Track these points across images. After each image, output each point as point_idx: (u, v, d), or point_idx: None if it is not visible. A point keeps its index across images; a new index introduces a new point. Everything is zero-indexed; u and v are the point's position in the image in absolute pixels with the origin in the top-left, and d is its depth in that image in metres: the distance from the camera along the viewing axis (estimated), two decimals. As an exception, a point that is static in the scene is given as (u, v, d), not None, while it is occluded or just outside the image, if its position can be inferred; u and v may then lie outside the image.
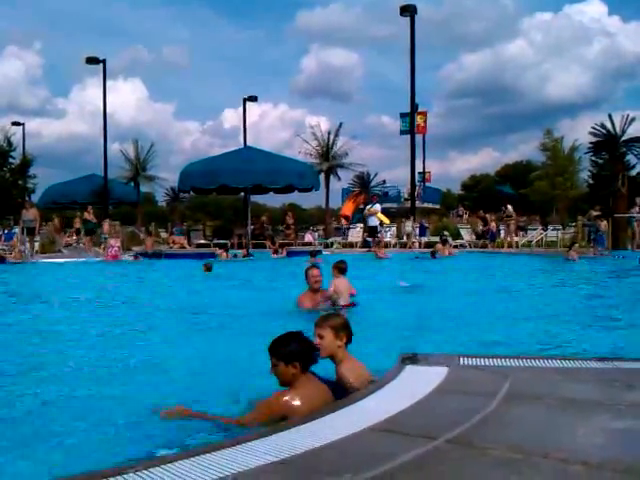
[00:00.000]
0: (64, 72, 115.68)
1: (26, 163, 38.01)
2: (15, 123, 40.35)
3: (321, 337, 4.27)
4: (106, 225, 26.17)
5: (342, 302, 8.42)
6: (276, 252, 23.02)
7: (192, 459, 2.74)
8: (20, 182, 37.66)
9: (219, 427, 3.85)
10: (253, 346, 5.52)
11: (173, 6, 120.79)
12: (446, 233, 26.90)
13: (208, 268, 15.79)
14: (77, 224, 27.41)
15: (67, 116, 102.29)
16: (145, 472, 2.59)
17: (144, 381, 5.29)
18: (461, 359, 4.65)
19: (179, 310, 9.78)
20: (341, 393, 4.02)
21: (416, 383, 3.99)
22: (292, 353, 3.86)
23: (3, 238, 24.14)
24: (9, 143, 37.28)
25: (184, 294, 12.34)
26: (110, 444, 3.70)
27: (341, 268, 8.97)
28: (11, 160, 37.47)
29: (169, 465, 2.67)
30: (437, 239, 25.72)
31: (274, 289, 11.97)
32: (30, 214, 21.79)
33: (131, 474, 2.57)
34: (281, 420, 3.65)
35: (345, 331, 4.29)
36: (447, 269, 17.43)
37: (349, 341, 4.34)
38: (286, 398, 3.78)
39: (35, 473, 3.31)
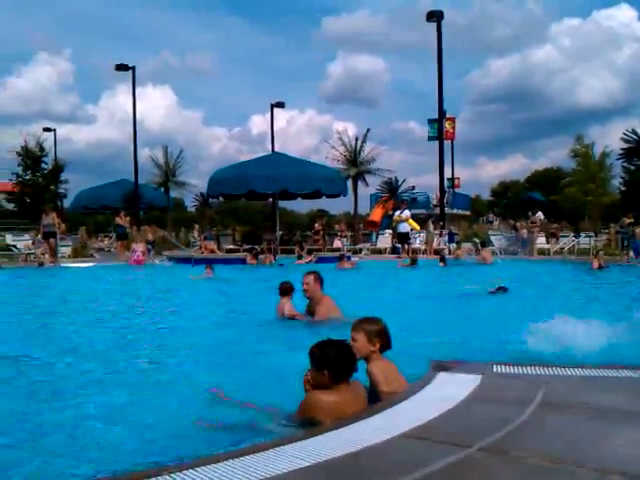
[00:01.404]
0: (94, 79, 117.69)
1: (58, 168, 38.61)
2: (46, 129, 41.09)
3: (354, 340, 4.28)
4: (148, 232, 26.44)
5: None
6: (300, 258, 23.02)
7: (225, 462, 2.76)
8: (52, 187, 38.26)
9: (256, 429, 3.86)
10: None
11: (201, 13, 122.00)
12: (476, 240, 26.71)
13: (211, 269, 16.11)
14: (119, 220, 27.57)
15: (97, 122, 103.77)
16: (180, 474, 2.62)
17: (184, 382, 5.33)
18: (494, 367, 4.61)
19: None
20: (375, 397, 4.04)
21: (449, 390, 3.97)
22: (323, 360, 3.85)
23: (37, 243, 24.46)
24: (41, 149, 37.90)
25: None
26: (152, 445, 3.73)
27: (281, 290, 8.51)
28: (43, 165, 38.13)
29: (202, 468, 2.69)
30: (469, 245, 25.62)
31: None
32: (50, 218, 22.04)
33: (165, 476, 2.60)
34: (311, 422, 3.67)
35: (379, 337, 4.28)
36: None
37: (386, 348, 4.33)
38: (315, 399, 3.79)
39: (83, 473, 3.35)
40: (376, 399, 4.04)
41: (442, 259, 20.90)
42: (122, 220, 26.66)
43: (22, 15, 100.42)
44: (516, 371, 4.56)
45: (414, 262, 19.75)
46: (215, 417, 4.16)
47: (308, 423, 3.66)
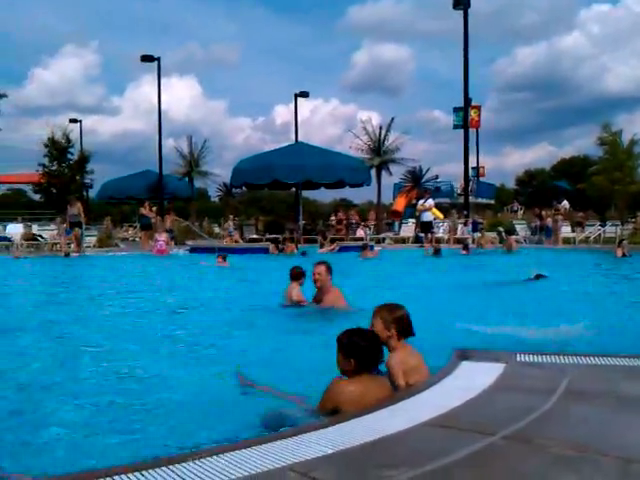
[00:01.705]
0: (120, 70, 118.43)
1: (84, 159, 38.97)
2: (73, 120, 41.36)
3: (372, 325, 4.33)
4: (167, 220, 26.54)
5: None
6: (322, 246, 23.05)
7: (250, 449, 2.78)
8: (78, 178, 38.65)
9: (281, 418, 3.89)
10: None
11: (225, 3, 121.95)
12: (501, 229, 26.52)
13: (223, 259, 16.11)
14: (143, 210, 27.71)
15: (123, 113, 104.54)
16: (205, 460, 2.65)
17: (212, 370, 5.36)
18: (518, 356, 4.59)
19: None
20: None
21: (472, 379, 3.96)
22: (350, 348, 3.89)
23: (61, 232, 24.71)
24: (67, 140, 38.27)
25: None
26: (175, 431, 3.77)
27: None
28: (69, 156, 38.52)
29: (228, 454, 2.72)
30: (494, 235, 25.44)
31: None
32: (75, 209, 22.25)
33: (190, 462, 2.63)
34: (335, 409, 3.69)
35: (396, 323, 4.28)
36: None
37: (405, 334, 4.32)
38: (338, 387, 3.82)
39: (105, 457, 3.41)
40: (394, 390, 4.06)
41: (465, 247, 20.82)
42: (146, 210, 26.87)
43: (49, 7, 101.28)
44: (540, 360, 4.53)
45: (437, 252, 19.57)
46: (238, 403, 4.20)
47: (331, 412, 3.69)
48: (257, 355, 5.90)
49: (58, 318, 8.41)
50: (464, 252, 20.32)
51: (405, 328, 4.33)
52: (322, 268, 8.04)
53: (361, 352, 3.88)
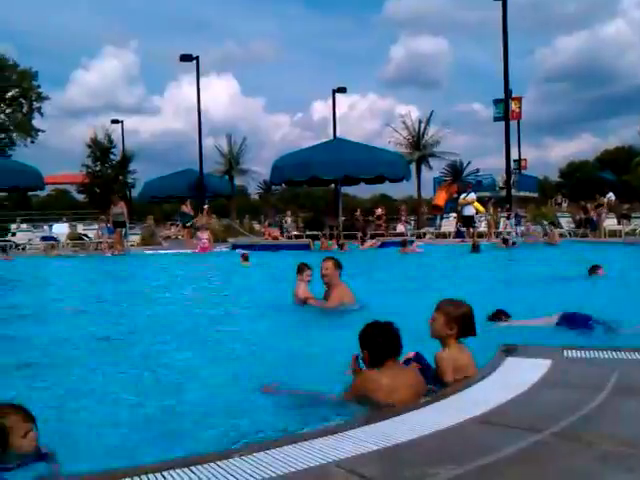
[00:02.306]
0: (159, 70, 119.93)
1: (126, 159, 39.64)
2: (114, 121, 42.01)
3: (433, 319, 4.23)
4: (201, 217, 26.82)
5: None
6: (363, 243, 23.00)
7: (295, 445, 2.79)
8: (120, 177, 39.32)
9: (319, 415, 3.89)
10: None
11: (260, 1, 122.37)
12: (545, 222, 26.12)
13: (245, 258, 15.99)
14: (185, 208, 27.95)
15: (163, 113, 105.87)
16: (250, 457, 2.66)
17: (247, 367, 5.38)
18: (565, 351, 4.51)
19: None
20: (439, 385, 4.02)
21: (518, 375, 3.91)
22: (363, 339, 3.96)
23: (105, 232, 25.13)
24: (110, 140, 38.99)
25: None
26: (217, 429, 3.80)
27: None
28: (112, 157, 39.21)
29: (272, 450, 2.73)
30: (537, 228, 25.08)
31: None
32: (118, 208, 22.56)
33: (236, 458, 2.65)
34: (363, 399, 3.75)
35: (458, 322, 4.16)
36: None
37: (466, 333, 4.21)
38: (361, 379, 3.89)
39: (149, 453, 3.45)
40: (440, 386, 4.03)
41: (504, 241, 20.55)
42: (187, 208, 27.17)
43: (89, 10, 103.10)
44: (588, 355, 4.45)
45: (476, 247, 18.89)
46: (273, 403, 4.22)
47: (359, 402, 3.74)
48: (260, 355, 5.90)
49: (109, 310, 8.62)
50: (503, 246, 20.05)
51: (467, 328, 4.21)
52: (329, 263, 7.97)
53: (371, 343, 3.90)
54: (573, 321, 6.25)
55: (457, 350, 4.18)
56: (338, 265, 8.02)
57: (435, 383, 4.07)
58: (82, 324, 7.94)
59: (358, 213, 29.43)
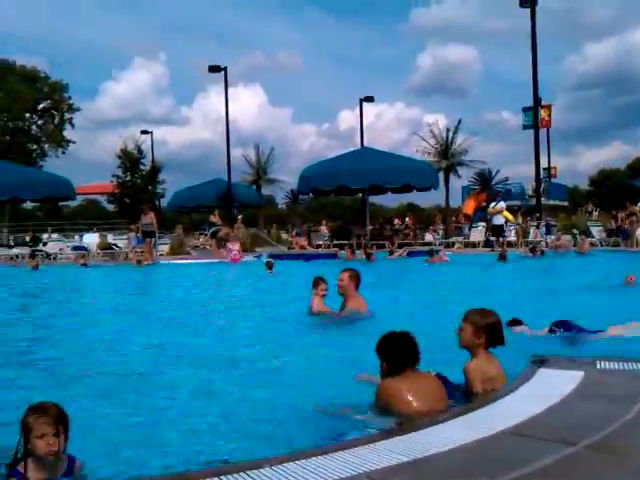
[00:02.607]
0: (188, 81, 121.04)
1: (155, 169, 40.09)
2: (144, 132, 42.46)
3: (461, 329, 4.21)
4: (228, 229, 26.95)
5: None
6: (391, 253, 22.85)
7: (326, 456, 2.78)
8: (150, 187, 39.76)
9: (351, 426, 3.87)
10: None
11: (287, 10, 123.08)
12: (575, 231, 25.77)
13: (270, 266, 16.05)
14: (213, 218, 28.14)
15: (191, 123, 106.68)
16: (280, 467, 2.66)
17: (288, 380, 5.38)
18: (598, 362, 4.43)
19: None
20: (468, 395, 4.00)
21: (550, 386, 3.85)
22: (380, 350, 4.00)
23: (132, 242, 25.35)
24: (139, 151, 39.49)
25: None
26: (251, 440, 3.80)
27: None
28: (141, 167, 39.68)
29: (303, 461, 2.73)
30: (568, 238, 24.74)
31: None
32: (148, 218, 22.75)
33: (267, 468, 2.65)
34: (387, 408, 3.75)
35: (487, 331, 4.13)
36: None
37: (495, 343, 4.18)
38: (382, 387, 3.90)
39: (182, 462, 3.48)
40: (469, 397, 4.00)
41: (532, 249, 20.31)
42: (216, 218, 27.35)
43: (119, 23, 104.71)
44: (621, 367, 4.37)
45: (503, 257, 18.48)
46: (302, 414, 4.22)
47: (380, 411, 3.76)
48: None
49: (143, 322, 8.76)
50: (530, 255, 19.80)
51: (496, 337, 4.17)
52: (345, 275, 7.93)
53: (391, 353, 3.93)
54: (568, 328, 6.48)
55: (486, 361, 4.14)
56: (354, 277, 7.94)
57: (460, 399, 4.04)
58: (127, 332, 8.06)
59: (396, 222, 29.34)
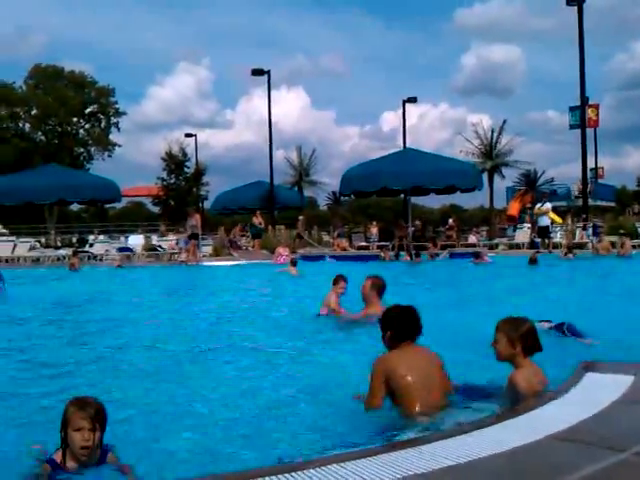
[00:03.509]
0: (231, 84, 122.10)
1: (199, 172, 40.57)
2: (188, 135, 42.94)
3: (495, 341, 4.14)
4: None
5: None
6: (432, 255, 22.56)
7: (371, 458, 2.78)
8: (194, 190, 40.26)
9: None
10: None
11: (328, 12, 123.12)
12: (622, 231, 25.16)
13: (294, 263, 16.40)
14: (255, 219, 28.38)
15: (235, 126, 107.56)
16: (323, 468, 2.67)
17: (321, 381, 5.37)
18: (648, 368, 4.32)
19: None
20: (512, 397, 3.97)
21: (598, 392, 3.77)
22: (384, 321, 4.35)
23: (180, 244, 25.68)
24: (184, 154, 40.04)
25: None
26: (288, 441, 3.83)
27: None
28: (186, 170, 40.21)
29: (346, 463, 2.72)
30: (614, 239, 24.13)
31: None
32: (193, 220, 23.02)
33: (311, 470, 2.65)
34: (385, 381, 3.97)
35: (522, 339, 4.05)
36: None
37: (531, 351, 4.09)
38: (378, 359, 4.15)
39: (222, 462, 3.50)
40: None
41: (569, 251, 19.89)
42: (258, 220, 27.57)
43: (164, 28, 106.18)
44: (673, 372, 4.25)
45: (534, 260, 17.82)
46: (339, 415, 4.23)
47: (383, 387, 3.98)
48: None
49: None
50: (569, 256, 19.40)
51: (532, 344, 4.08)
52: (367, 282, 7.87)
53: (394, 323, 4.27)
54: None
55: (531, 372, 4.04)
56: (377, 285, 7.84)
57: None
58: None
59: (452, 221, 29.09)
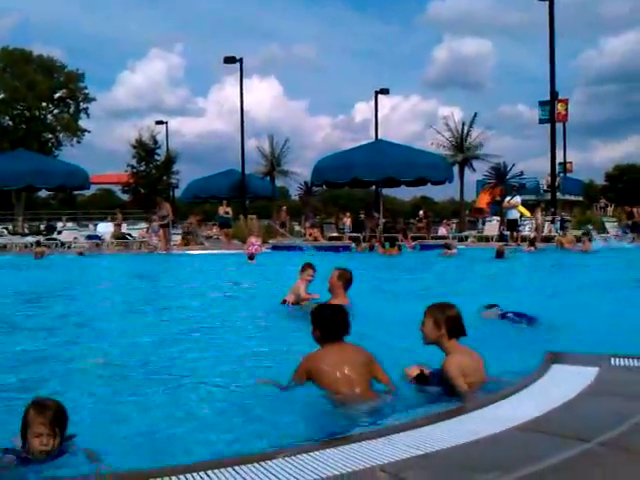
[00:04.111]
0: (203, 72, 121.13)
1: (170, 160, 40.14)
2: (159, 122, 42.43)
3: (422, 324, 4.34)
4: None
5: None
6: (413, 247, 22.62)
7: (338, 448, 2.79)
8: (164, 178, 39.85)
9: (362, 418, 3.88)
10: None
11: (303, 2, 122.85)
12: (590, 227, 25.56)
13: (251, 257, 16.60)
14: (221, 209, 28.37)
15: (206, 114, 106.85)
16: (293, 458, 2.68)
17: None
18: (612, 359, 4.41)
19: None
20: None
21: (564, 383, 3.83)
22: (314, 319, 4.55)
23: (150, 231, 25.44)
24: (154, 141, 39.57)
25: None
26: (266, 432, 3.81)
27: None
28: (156, 157, 39.78)
29: (316, 453, 2.74)
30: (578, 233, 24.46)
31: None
32: (164, 210, 22.79)
33: (280, 459, 2.66)
34: (308, 376, 4.22)
35: (447, 323, 4.22)
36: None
37: (456, 334, 4.25)
38: (306, 356, 4.40)
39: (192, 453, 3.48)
40: (452, 393, 4.06)
41: (531, 243, 20.26)
42: (223, 210, 27.52)
43: (135, 13, 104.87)
44: (636, 363, 4.34)
45: (500, 254, 17.64)
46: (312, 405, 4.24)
47: (305, 379, 4.23)
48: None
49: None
50: (530, 249, 19.71)
51: (456, 327, 4.26)
52: (334, 273, 7.94)
53: (323, 321, 4.48)
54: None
55: (461, 353, 4.20)
56: (343, 277, 7.89)
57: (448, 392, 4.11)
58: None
59: (420, 214, 29.18)
